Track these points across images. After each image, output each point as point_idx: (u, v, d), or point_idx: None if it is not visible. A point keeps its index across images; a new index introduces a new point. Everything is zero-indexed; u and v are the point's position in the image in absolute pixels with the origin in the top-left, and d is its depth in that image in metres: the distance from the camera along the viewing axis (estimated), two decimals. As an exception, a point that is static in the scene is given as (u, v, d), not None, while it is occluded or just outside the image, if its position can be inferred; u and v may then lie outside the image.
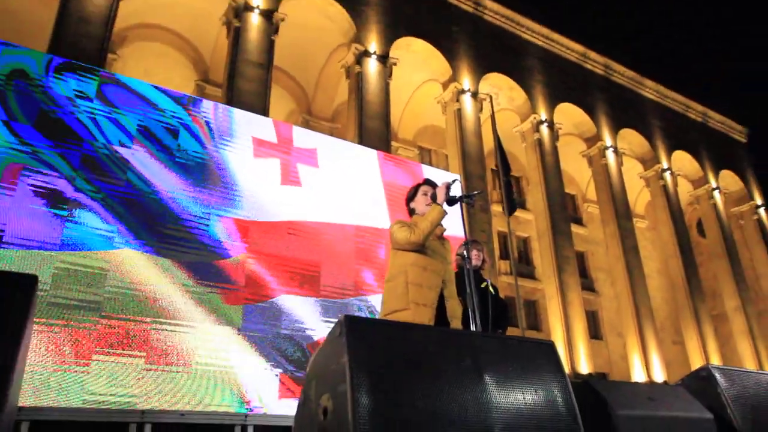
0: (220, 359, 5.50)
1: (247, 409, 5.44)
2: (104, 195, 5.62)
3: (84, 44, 12.06)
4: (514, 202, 5.93)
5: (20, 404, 4.26)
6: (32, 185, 5.28)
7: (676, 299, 22.56)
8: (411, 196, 3.83)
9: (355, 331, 2.02)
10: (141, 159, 5.98)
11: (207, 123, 6.57)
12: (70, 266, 5.15)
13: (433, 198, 3.63)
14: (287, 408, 5.52)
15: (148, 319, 5.28)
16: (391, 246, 3.56)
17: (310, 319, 6.23)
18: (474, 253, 4.76)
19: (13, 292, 1.68)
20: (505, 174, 7.25)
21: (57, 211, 5.31)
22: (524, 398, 2.21)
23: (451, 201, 3.60)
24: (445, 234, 3.77)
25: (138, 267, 5.47)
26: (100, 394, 4.81)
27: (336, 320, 2.12)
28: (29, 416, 4.37)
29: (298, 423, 2.32)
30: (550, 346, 2.49)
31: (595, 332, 22.90)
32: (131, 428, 4.84)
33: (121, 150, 5.91)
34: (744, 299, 23.40)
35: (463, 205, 3.88)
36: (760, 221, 26.72)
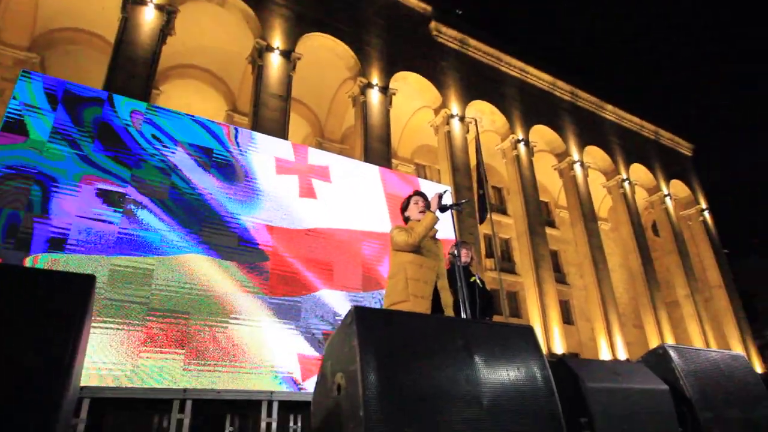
0: (251, 346, 5.48)
1: (280, 381, 5.42)
2: (154, 197, 5.68)
3: (133, 82, 12.13)
4: (485, 213, 5.95)
5: (81, 384, 4.27)
6: (96, 189, 5.37)
7: (636, 289, 22.47)
8: (404, 206, 3.83)
9: (363, 319, 2.02)
10: (184, 167, 6.04)
11: (238, 144, 6.60)
12: (123, 267, 5.16)
13: (428, 206, 3.65)
14: (309, 386, 5.49)
15: (187, 315, 5.28)
16: (392, 247, 3.56)
17: (326, 310, 6.22)
18: (463, 252, 4.76)
19: (74, 291, 1.69)
20: (480, 188, 7.19)
21: (113, 212, 5.35)
22: (508, 374, 2.20)
23: (442, 209, 3.61)
24: (438, 236, 3.78)
25: (180, 265, 5.47)
26: (148, 374, 4.81)
27: (347, 311, 2.12)
28: (90, 394, 4.37)
29: (316, 398, 2.32)
30: (530, 330, 2.49)
31: (567, 318, 22.81)
32: (174, 404, 4.82)
33: (168, 157, 6.00)
34: (693, 288, 23.32)
35: (453, 211, 3.89)
36: (705, 222, 26.72)
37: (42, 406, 1.46)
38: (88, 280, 1.72)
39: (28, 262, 4.75)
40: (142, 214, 5.52)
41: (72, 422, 4.00)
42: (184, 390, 4.84)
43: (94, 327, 4.61)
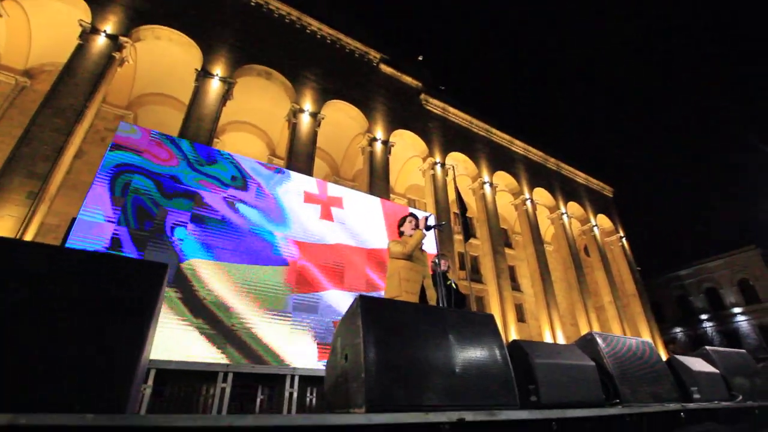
0: (280, 333, 5.41)
1: (301, 362, 5.32)
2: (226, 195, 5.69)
3: (201, 133, 12.29)
4: (468, 233, 5.95)
5: (150, 357, 4.19)
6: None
7: (572, 296, 22.22)
8: (400, 224, 3.87)
9: (367, 305, 2.02)
10: (250, 169, 6.07)
11: (278, 180, 6.65)
12: (193, 267, 5.13)
13: (417, 226, 3.67)
14: (322, 366, 5.39)
15: (230, 308, 5.23)
16: (390, 256, 3.57)
17: (337, 305, 6.15)
18: (443, 261, 4.75)
19: (150, 276, 1.65)
20: (463, 216, 7.10)
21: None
22: (475, 351, 2.18)
23: (428, 228, 3.63)
24: (424, 248, 3.78)
25: (222, 269, 5.44)
26: (200, 352, 4.73)
27: (354, 299, 2.12)
28: (156, 366, 4.29)
29: (328, 366, 2.29)
30: (491, 318, 2.47)
31: (521, 317, 22.52)
32: (219, 376, 4.72)
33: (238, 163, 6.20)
34: (614, 296, 23.08)
35: (435, 230, 3.91)
36: (623, 246, 26.67)
37: (124, 372, 1.43)
38: (162, 267, 1.69)
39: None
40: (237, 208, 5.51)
41: (141, 387, 3.92)
42: (227, 365, 4.75)
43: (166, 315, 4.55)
